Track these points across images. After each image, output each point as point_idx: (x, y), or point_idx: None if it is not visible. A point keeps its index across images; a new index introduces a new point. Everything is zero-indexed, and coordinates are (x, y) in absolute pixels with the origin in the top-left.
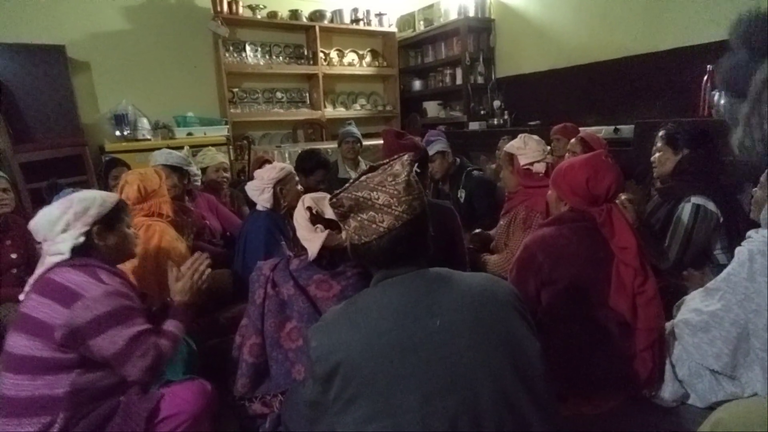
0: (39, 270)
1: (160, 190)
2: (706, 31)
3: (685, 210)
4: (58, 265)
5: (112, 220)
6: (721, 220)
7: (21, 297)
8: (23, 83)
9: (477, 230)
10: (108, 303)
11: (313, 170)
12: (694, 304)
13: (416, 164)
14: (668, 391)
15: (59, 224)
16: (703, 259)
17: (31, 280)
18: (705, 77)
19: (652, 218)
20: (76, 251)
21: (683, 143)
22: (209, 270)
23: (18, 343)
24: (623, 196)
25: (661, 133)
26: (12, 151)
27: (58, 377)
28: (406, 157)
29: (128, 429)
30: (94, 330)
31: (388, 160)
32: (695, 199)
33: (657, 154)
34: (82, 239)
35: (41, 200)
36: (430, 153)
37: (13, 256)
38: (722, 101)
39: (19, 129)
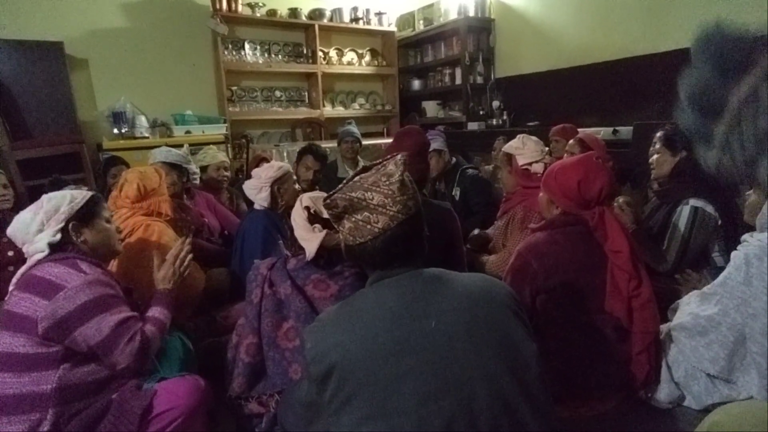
0: (22, 269)
1: (160, 188)
2: None
3: (683, 213)
4: (40, 261)
5: (86, 215)
6: (720, 222)
7: (7, 298)
8: (21, 80)
9: (476, 231)
10: (90, 292)
11: (301, 156)
12: (691, 309)
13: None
14: (664, 393)
15: (33, 225)
16: (702, 261)
17: (14, 280)
18: None
19: (650, 221)
20: (55, 248)
21: (681, 145)
22: (191, 256)
23: (1, 340)
24: (621, 199)
25: (658, 135)
26: (10, 148)
27: (43, 374)
28: (399, 156)
29: (122, 426)
30: (79, 319)
31: (380, 160)
32: (693, 202)
33: (655, 156)
34: (58, 236)
35: (40, 197)
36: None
37: (10, 253)
38: (685, 117)
39: (16, 126)
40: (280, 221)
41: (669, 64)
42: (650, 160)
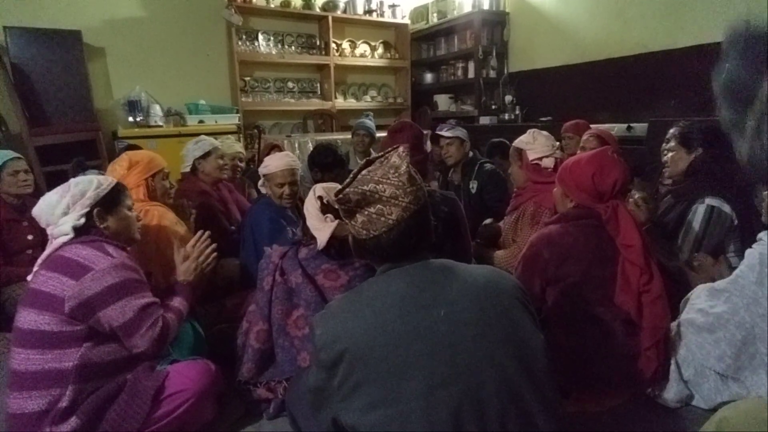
0: (47, 250)
1: (124, 178)
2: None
3: (698, 211)
4: (66, 243)
5: (110, 202)
6: (736, 222)
7: (29, 277)
8: (40, 68)
9: (488, 221)
10: (117, 275)
11: (331, 168)
12: (700, 304)
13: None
14: (673, 392)
15: (59, 208)
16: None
17: (39, 260)
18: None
19: (664, 218)
20: (79, 232)
21: (697, 143)
22: (215, 254)
23: (27, 318)
24: (637, 195)
25: (673, 132)
26: (28, 135)
27: (66, 351)
28: (401, 148)
29: (135, 405)
30: (104, 301)
31: (382, 153)
32: (709, 201)
33: (669, 154)
34: (82, 221)
35: (62, 181)
36: (449, 135)
37: (30, 237)
38: (722, 111)
39: (34, 113)
40: (282, 209)
41: (687, 60)
42: (664, 159)
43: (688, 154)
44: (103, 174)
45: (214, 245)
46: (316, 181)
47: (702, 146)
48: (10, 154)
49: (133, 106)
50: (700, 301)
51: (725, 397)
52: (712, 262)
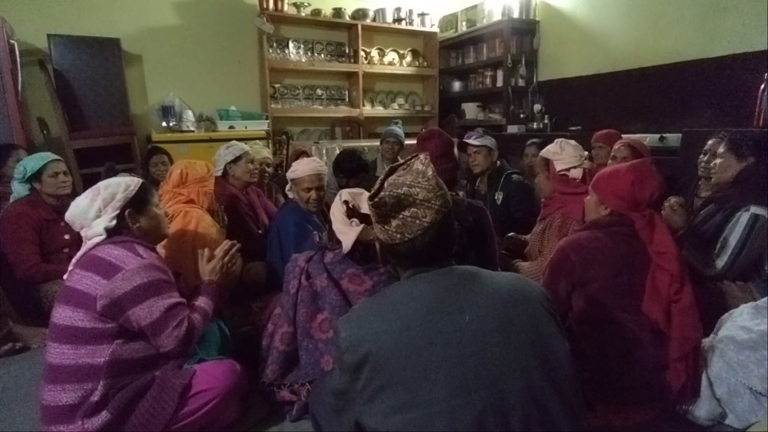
0: (82, 250)
1: (204, 181)
2: (764, 38)
3: (741, 219)
4: (99, 244)
5: (140, 202)
6: None
7: (65, 276)
8: (80, 74)
9: (510, 234)
10: (145, 275)
11: (356, 173)
12: (742, 321)
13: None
14: (705, 410)
15: (91, 211)
16: (752, 272)
17: (74, 260)
18: (762, 86)
19: (704, 225)
20: (111, 233)
21: (748, 151)
22: (238, 254)
23: (62, 314)
24: (672, 200)
25: (716, 141)
26: (68, 138)
27: (98, 347)
28: (422, 156)
29: (163, 402)
30: (133, 300)
31: (404, 161)
32: (754, 209)
33: (718, 161)
34: (114, 222)
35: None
36: (477, 144)
37: (66, 236)
38: None
39: (74, 117)
40: (308, 213)
41: (723, 70)
42: (711, 164)
43: (738, 162)
44: (132, 176)
45: (238, 245)
46: (342, 187)
47: (754, 155)
48: (51, 156)
49: (166, 112)
50: (743, 318)
51: (760, 417)
52: (739, 295)
